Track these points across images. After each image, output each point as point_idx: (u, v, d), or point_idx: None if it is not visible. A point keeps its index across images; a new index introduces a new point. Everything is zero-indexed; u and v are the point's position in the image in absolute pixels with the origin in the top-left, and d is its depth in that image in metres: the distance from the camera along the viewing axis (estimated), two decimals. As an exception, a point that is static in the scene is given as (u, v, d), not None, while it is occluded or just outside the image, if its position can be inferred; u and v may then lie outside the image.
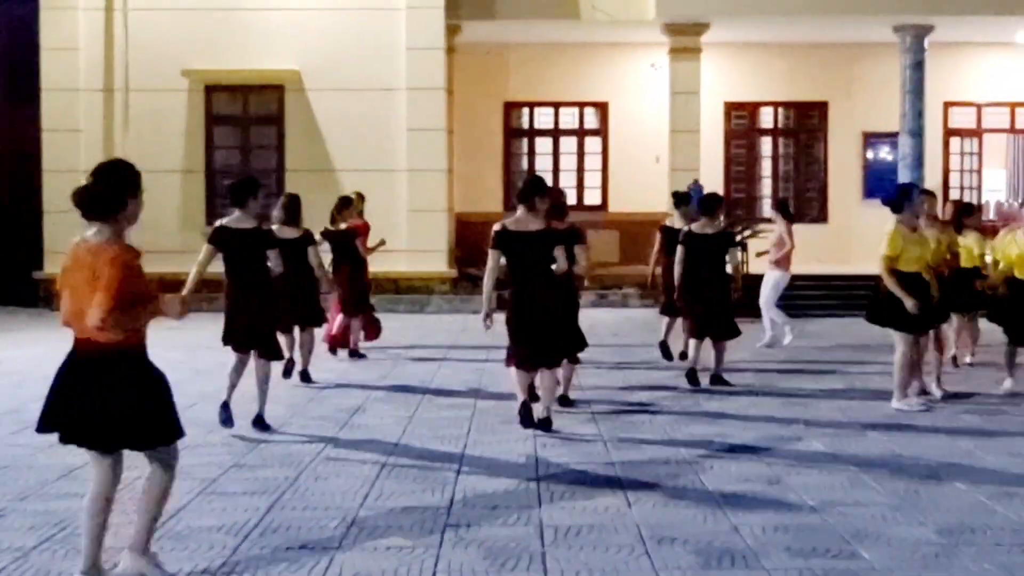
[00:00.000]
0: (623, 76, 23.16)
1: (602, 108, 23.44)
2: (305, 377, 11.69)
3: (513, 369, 9.26)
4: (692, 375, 11.39)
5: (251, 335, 9.10)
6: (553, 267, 9.07)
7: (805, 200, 23.13)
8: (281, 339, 10.05)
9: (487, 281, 9.08)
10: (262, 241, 9.22)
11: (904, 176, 20.99)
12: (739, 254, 16.71)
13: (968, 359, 13.02)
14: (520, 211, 9.01)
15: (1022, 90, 23.19)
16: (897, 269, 10.00)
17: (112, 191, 5.11)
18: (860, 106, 22.99)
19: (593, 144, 23.54)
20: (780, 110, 23.66)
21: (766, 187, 23.50)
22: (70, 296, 5.11)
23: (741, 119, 23.58)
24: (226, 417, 8.91)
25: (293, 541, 6.08)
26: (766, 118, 23.72)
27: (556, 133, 23.61)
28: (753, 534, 6.19)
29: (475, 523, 6.42)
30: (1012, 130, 23.29)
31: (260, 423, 9.11)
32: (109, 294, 4.92)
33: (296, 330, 11.76)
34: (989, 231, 13.96)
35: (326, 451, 8.38)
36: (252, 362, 9.18)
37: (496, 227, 9.08)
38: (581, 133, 23.60)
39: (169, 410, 5.28)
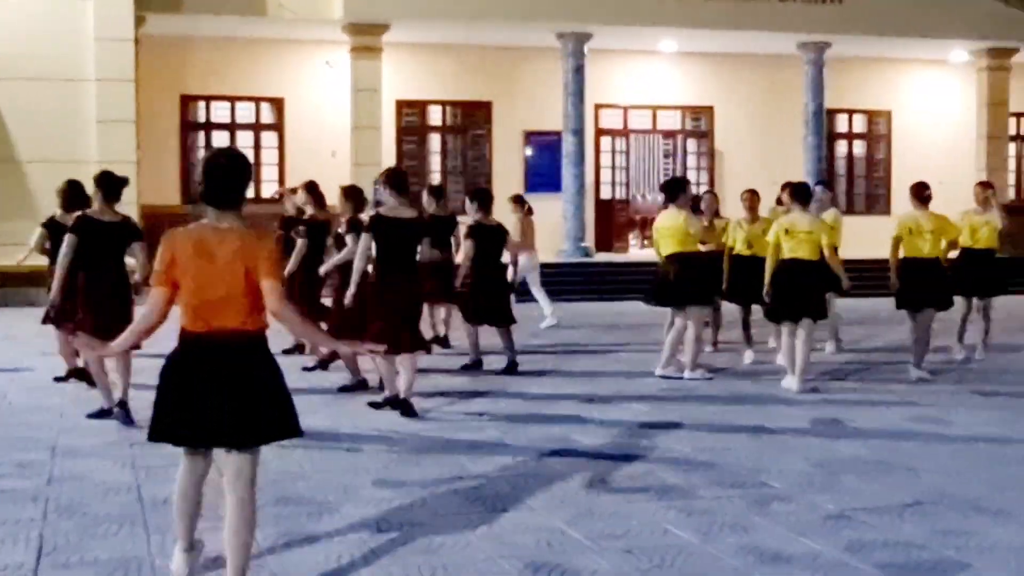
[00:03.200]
0: (299, 73, 23.65)
1: (278, 104, 23.86)
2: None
3: (380, 359, 9.33)
4: (478, 364, 11.93)
5: None
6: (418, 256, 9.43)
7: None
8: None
9: (360, 263, 9.40)
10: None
11: (567, 171, 22.90)
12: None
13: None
14: (392, 199, 9.33)
15: (662, 94, 25.68)
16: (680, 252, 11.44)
17: None
18: (521, 106, 24.65)
19: (270, 139, 23.94)
20: (448, 108, 25.00)
21: (436, 181, 24.70)
22: None
23: (412, 116, 24.73)
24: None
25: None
26: (435, 116, 25.01)
27: (233, 127, 23.83)
28: (675, 473, 7.35)
29: (513, 502, 6.77)
30: (654, 131, 25.73)
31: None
32: None
33: None
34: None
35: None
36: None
37: (371, 213, 9.62)
38: (257, 128, 23.95)
39: None
